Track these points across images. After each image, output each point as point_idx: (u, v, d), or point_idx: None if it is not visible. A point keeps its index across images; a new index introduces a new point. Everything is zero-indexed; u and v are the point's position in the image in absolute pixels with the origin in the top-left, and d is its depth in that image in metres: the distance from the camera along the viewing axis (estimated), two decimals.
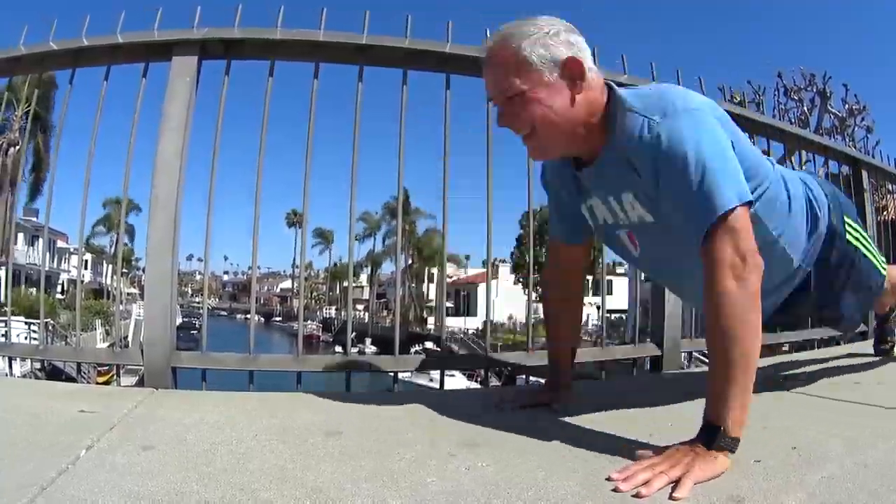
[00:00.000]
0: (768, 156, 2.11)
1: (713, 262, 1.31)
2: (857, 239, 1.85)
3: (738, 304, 1.28)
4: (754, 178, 1.50)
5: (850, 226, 1.83)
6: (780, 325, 2.95)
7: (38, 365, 9.94)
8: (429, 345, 32.99)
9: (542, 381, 1.98)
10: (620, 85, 1.55)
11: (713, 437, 1.21)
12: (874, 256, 1.95)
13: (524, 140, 1.56)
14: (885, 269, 2.01)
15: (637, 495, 1.07)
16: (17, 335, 10.48)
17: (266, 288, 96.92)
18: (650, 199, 1.49)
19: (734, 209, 1.32)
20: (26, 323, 13.63)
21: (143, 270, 2.46)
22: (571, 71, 1.46)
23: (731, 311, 1.28)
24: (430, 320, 50.18)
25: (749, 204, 1.36)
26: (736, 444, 1.22)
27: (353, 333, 2.71)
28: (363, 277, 67.47)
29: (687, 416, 1.58)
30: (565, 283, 1.90)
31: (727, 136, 1.42)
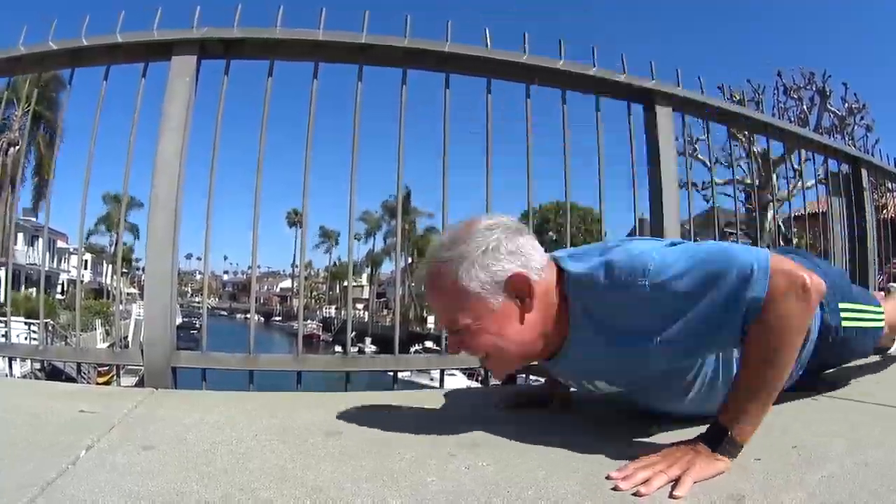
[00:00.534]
0: (767, 156, 2.10)
1: (773, 300, 1.21)
2: (853, 319, 1.79)
3: (799, 316, 1.22)
4: None
5: (845, 310, 1.76)
6: None
7: (37, 365, 9.94)
8: (429, 344, 32.99)
9: (543, 380, 1.97)
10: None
11: (721, 439, 1.20)
12: (873, 319, 1.90)
13: (480, 362, 1.50)
14: (881, 318, 1.96)
15: (637, 494, 1.07)
16: (17, 335, 10.48)
17: (266, 287, 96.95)
18: (629, 369, 1.40)
19: (764, 265, 1.22)
20: (26, 323, 13.63)
21: (143, 270, 2.45)
22: (518, 289, 1.35)
23: (787, 323, 1.21)
24: (430, 319, 50.15)
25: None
26: (739, 450, 1.21)
27: (353, 333, 2.71)
28: (363, 277, 67.48)
29: (685, 416, 1.58)
30: None
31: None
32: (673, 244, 1.37)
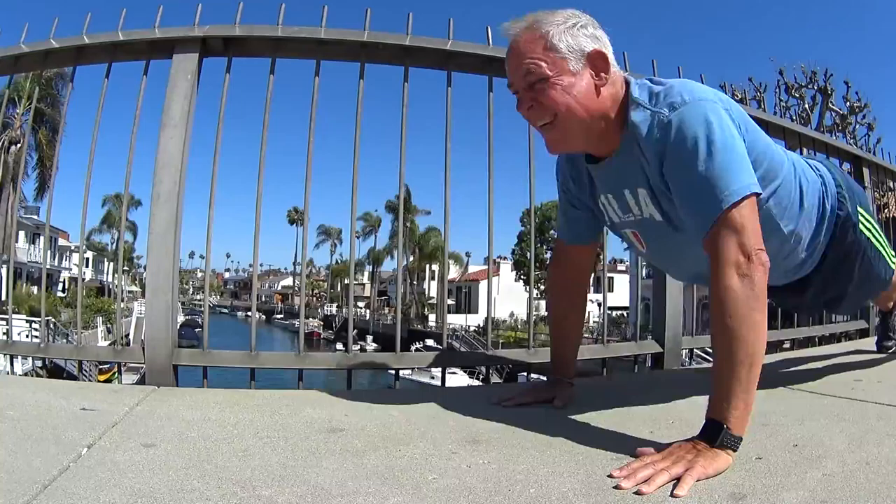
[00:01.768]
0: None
1: (717, 259, 1.31)
2: (868, 230, 1.84)
3: (743, 302, 1.27)
4: (766, 172, 1.49)
5: (862, 216, 1.82)
6: (782, 307, 2.95)
7: (39, 363, 9.96)
8: (430, 342, 33.02)
9: (544, 378, 1.98)
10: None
11: (716, 434, 1.21)
12: (885, 249, 1.93)
13: (543, 131, 1.52)
14: (894, 263, 1.99)
15: (638, 493, 1.07)
16: (19, 333, 10.49)
17: (267, 285, 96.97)
18: (660, 196, 1.48)
19: (740, 202, 1.31)
20: (27, 321, 13.65)
21: (145, 268, 2.45)
22: (596, 63, 1.45)
23: (735, 309, 1.27)
24: (432, 318, 50.21)
25: (756, 195, 1.35)
26: (738, 442, 1.21)
27: (355, 331, 2.72)
28: (364, 275, 67.52)
29: (688, 414, 1.58)
30: (570, 283, 1.90)
31: (735, 126, 1.40)
32: (724, 127, 1.38)
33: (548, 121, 1.48)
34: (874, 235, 1.87)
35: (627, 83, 1.51)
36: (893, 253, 2.00)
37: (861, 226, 1.81)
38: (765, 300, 1.29)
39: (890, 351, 2.58)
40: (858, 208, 1.81)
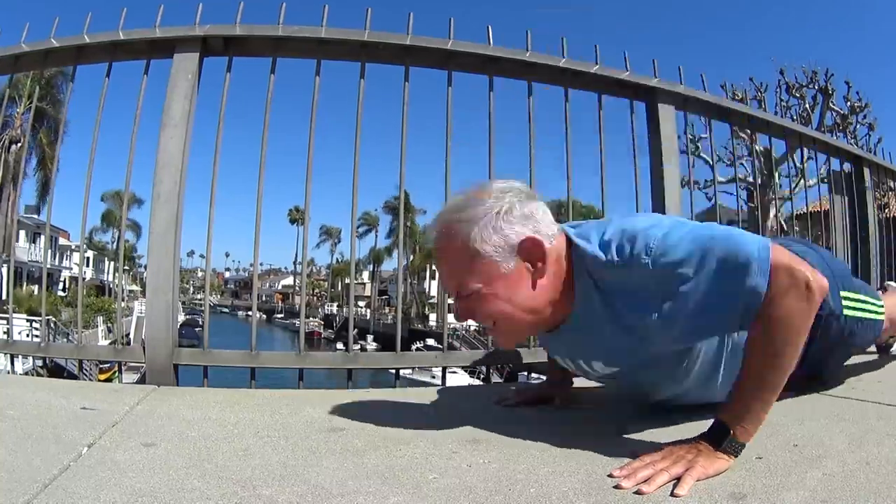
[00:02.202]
0: (769, 155, 2.11)
1: (775, 292, 1.21)
2: (853, 309, 1.78)
3: (798, 316, 1.21)
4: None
5: (846, 299, 1.76)
6: None
7: (39, 362, 9.95)
8: (430, 342, 33.03)
9: (544, 377, 1.97)
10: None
11: (722, 438, 1.20)
12: (873, 312, 1.88)
13: (487, 331, 1.47)
14: (881, 312, 1.94)
15: (639, 492, 1.07)
16: (19, 332, 10.50)
17: (268, 285, 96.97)
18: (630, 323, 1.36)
19: (765, 251, 1.23)
20: (28, 320, 13.65)
21: (146, 267, 2.46)
22: (530, 253, 1.33)
23: (788, 322, 1.21)
24: (432, 317, 50.16)
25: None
26: (741, 449, 1.20)
27: (355, 330, 2.71)
28: (365, 275, 67.51)
29: (687, 415, 1.58)
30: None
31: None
32: (679, 222, 1.36)
33: (490, 324, 1.40)
34: (859, 308, 1.80)
35: (565, 232, 1.42)
36: (877, 302, 1.94)
37: (845, 311, 1.74)
38: (808, 328, 1.24)
39: (891, 351, 2.58)
40: (841, 293, 1.74)
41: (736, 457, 1.19)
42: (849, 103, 19.38)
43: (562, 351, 1.60)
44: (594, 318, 1.38)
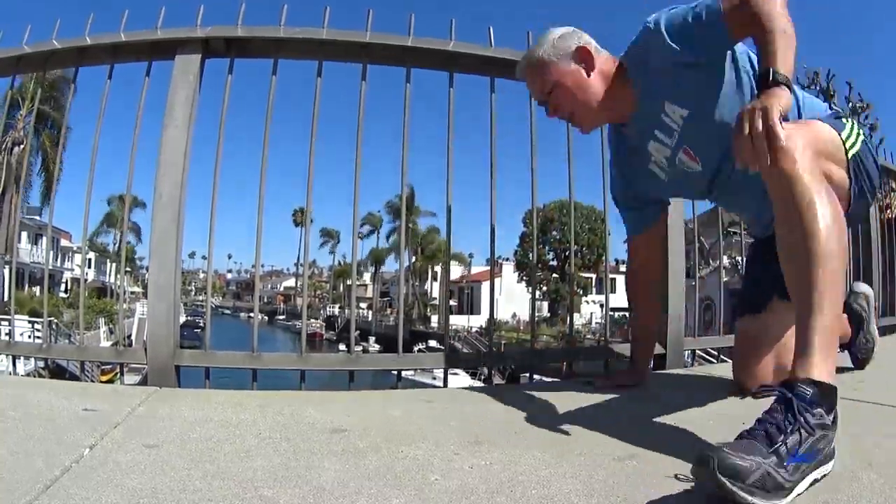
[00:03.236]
0: None
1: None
2: None
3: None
4: None
5: None
6: None
7: (41, 364, 9.97)
8: (432, 343, 33.01)
9: (546, 378, 1.98)
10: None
11: (768, 77, 1.35)
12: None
13: (572, 123, 1.94)
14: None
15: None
16: (21, 334, 10.51)
17: (270, 286, 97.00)
18: (689, 87, 1.71)
19: None
20: (30, 322, 13.67)
21: (147, 269, 2.46)
22: (582, 56, 1.82)
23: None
24: (434, 319, 50.18)
25: None
26: (788, 78, 1.35)
27: (357, 332, 2.71)
28: (366, 276, 67.52)
29: (690, 414, 1.58)
30: (647, 271, 2.19)
31: None
32: None
33: (569, 114, 1.87)
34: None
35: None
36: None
37: None
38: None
39: (867, 361, 2.47)
40: None
41: (787, 85, 1.33)
42: (850, 104, 19.38)
43: (646, 133, 1.87)
44: (656, 95, 1.77)
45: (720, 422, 1.56)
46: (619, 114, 1.89)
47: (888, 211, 5.01)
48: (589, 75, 1.82)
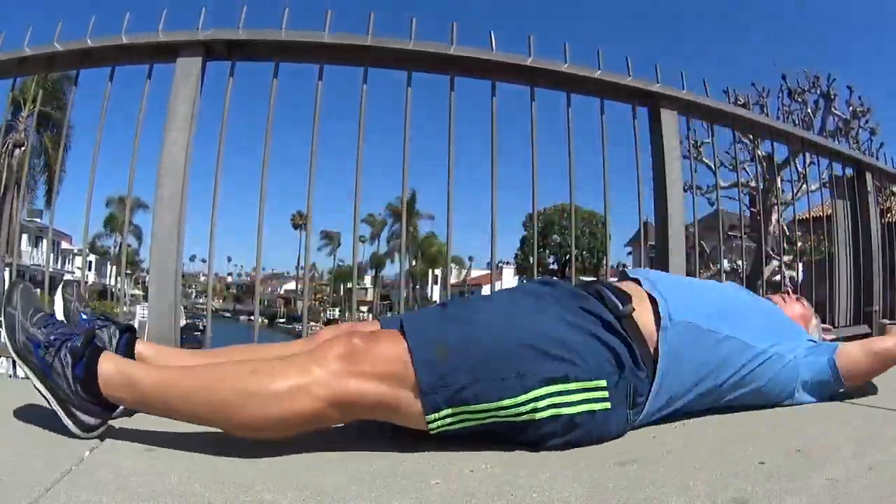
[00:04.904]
0: (771, 159, 2.12)
1: None
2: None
3: None
4: None
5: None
6: None
7: None
8: None
9: None
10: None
11: None
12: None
13: None
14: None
15: None
16: None
17: (270, 289, 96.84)
18: None
19: None
20: None
21: (148, 271, 2.46)
22: None
23: None
24: None
25: None
26: None
27: None
28: (367, 279, 67.44)
29: (688, 419, 1.58)
30: None
31: None
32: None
33: None
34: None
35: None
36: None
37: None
38: None
39: None
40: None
41: None
42: (851, 108, 19.37)
43: None
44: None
45: (719, 425, 1.56)
46: None
47: (888, 215, 5.02)
48: None
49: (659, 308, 1.53)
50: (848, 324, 3.96)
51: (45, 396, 1.35)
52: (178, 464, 1.24)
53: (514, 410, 1.35)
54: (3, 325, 1.41)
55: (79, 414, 1.35)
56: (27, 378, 1.40)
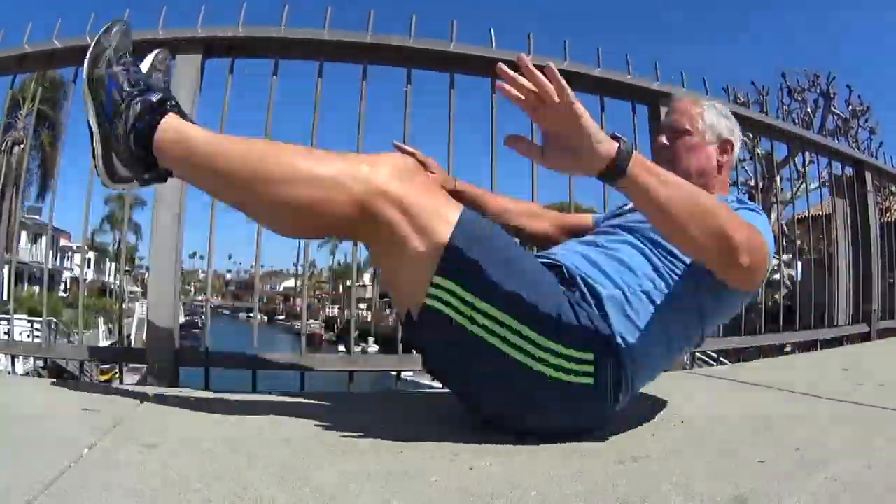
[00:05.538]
0: (771, 158, 2.19)
1: None
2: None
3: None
4: None
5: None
6: None
7: (40, 363, 9.96)
8: None
9: None
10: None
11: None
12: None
13: (659, 160, 1.74)
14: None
15: None
16: (20, 333, 10.49)
17: (269, 286, 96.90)
18: None
19: None
20: (29, 321, 13.64)
21: (147, 269, 2.47)
22: (728, 151, 1.81)
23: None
24: None
25: None
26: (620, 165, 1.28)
27: (356, 333, 2.72)
28: (366, 276, 67.45)
29: (690, 416, 1.58)
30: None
31: None
32: None
33: (669, 158, 1.75)
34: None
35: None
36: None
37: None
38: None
39: None
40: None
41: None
42: (850, 107, 19.40)
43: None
44: None
45: (719, 423, 1.56)
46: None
47: (888, 214, 5.02)
48: (720, 169, 1.79)
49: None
50: (847, 322, 3.97)
51: (92, 134, 1.41)
52: (177, 461, 1.23)
53: (535, 352, 1.29)
54: (90, 51, 1.42)
55: (116, 163, 1.41)
56: (84, 112, 1.41)
